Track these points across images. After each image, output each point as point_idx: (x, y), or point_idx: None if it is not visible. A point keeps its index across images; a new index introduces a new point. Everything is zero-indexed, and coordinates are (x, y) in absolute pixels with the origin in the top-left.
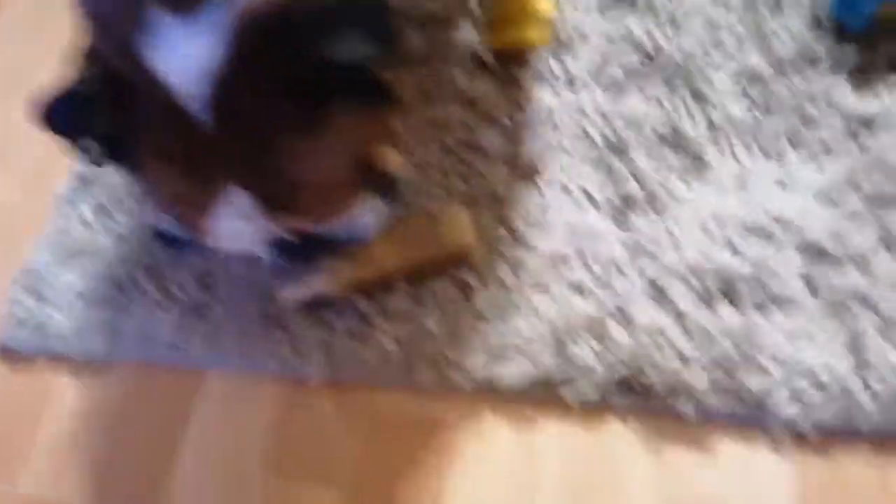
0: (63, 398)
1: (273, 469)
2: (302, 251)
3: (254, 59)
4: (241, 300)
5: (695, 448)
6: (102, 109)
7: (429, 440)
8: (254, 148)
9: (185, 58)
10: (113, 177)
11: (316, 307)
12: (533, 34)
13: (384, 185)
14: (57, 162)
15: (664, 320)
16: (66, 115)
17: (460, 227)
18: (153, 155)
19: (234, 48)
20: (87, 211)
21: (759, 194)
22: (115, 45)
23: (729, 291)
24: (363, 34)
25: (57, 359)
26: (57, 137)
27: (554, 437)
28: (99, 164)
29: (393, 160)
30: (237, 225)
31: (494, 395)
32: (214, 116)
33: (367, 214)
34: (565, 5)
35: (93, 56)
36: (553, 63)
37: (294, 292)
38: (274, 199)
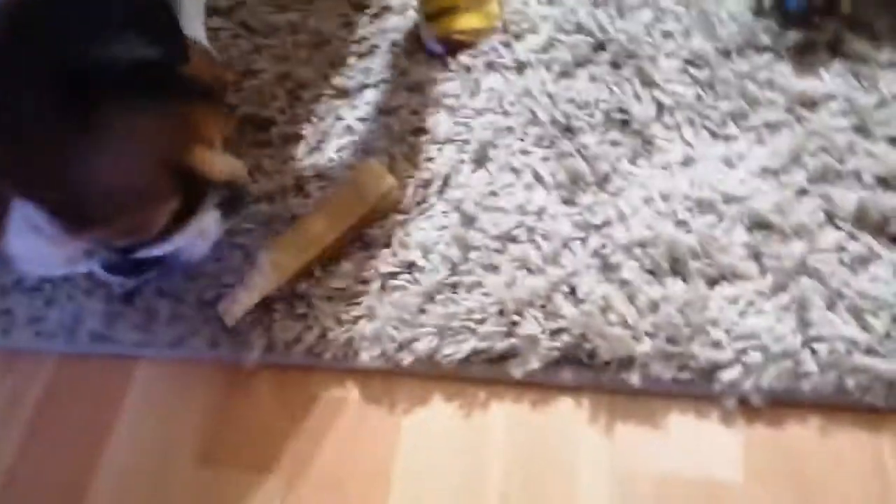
0: None
1: (207, 457)
2: (135, 269)
3: (13, 53)
4: (174, 284)
5: (644, 422)
6: None
7: (373, 423)
8: (25, 152)
9: None
10: None
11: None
12: (474, 21)
13: (217, 192)
14: None
15: (612, 293)
16: None
17: (377, 175)
18: None
19: None
20: None
21: (705, 172)
22: None
23: (676, 265)
24: (133, 27)
25: None
26: None
27: (502, 416)
28: None
29: (221, 165)
30: (36, 243)
31: (441, 375)
32: None
33: (203, 227)
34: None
35: None
36: (502, 49)
37: (239, 304)
38: (65, 210)
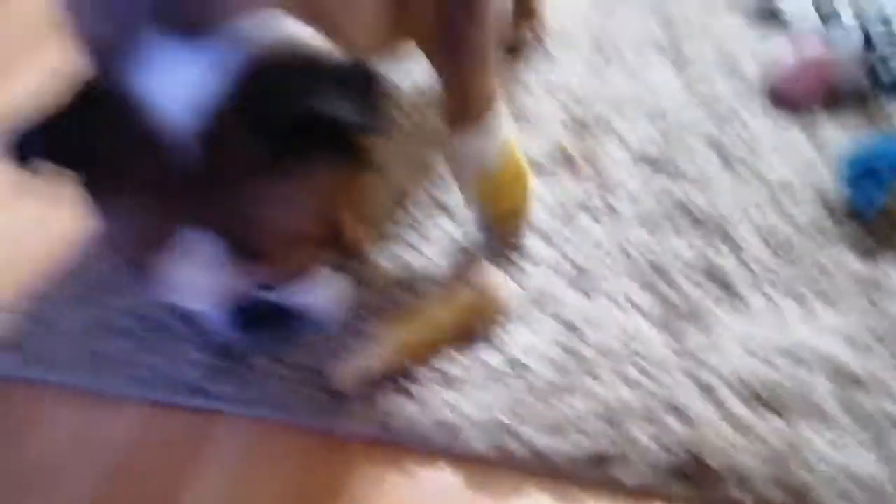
0: (55, 430)
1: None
2: (258, 319)
3: (248, 98)
4: (281, 347)
5: None
6: (76, 137)
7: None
8: (228, 186)
9: (179, 84)
10: None
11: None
12: (522, 202)
13: (346, 253)
14: None
15: (715, 416)
16: (37, 146)
17: (497, 278)
18: (120, 183)
19: (232, 84)
20: None
21: (788, 326)
22: (106, 64)
23: (772, 399)
24: (352, 98)
25: (55, 388)
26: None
27: None
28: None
29: (359, 231)
30: (194, 273)
31: (542, 470)
32: (195, 149)
33: (326, 290)
34: (604, 158)
35: (78, 78)
36: (595, 195)
37: (352, 370)
38: (238, 243)
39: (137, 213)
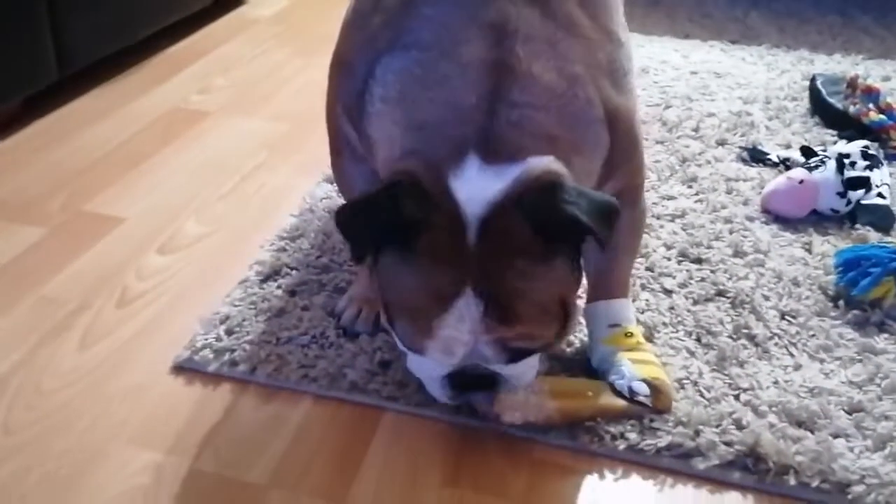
0: (241, 415)
1: (450, 482)
2: (470, 384)
3: (521, 201)
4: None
5: None
6: (393, 216)
7: (577, 489)
8: (500, 261)
9: (478, 189)
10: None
11: None
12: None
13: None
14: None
15: (764, 430)
16: (361, 223)
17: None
18: (426, 251)
19: (512, 191)
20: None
21: (809, 376)
22: (432, 172)
23: (806, 420)
24: (590, 210)
25: (242, 383)
26: (347, 239)
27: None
28: (361, 262)
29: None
30: (458, 328)
31: (639, 462)
32: (481, 233)
33: (531, 361)
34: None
35: (401, 174)
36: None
37: (512, 412)
38: (499, 307)
39: (432, 275)
